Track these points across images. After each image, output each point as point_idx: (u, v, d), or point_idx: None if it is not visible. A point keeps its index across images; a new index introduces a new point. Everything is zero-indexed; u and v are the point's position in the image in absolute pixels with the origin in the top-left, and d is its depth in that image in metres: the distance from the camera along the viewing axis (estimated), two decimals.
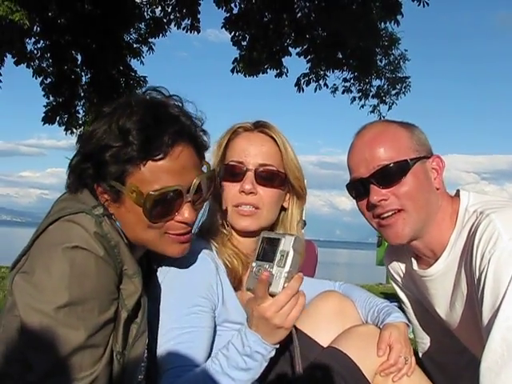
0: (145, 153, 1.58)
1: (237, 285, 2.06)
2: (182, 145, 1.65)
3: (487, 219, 1.83)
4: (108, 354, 1.59)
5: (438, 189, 2.01)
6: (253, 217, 2.05)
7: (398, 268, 2.38)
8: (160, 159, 1.60)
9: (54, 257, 1.51)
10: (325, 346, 2.15)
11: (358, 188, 2.03)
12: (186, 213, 1.68)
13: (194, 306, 1.85)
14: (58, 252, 1.51)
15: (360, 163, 1.99)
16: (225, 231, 2.07)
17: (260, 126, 2.13)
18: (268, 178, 2.06)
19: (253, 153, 2.05)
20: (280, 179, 2.09)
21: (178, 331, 1.80)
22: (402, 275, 2.37)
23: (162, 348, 1.79)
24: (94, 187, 1.66)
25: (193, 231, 1.80)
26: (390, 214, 1.96)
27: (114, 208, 1.67)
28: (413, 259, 2.19)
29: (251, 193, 2.03)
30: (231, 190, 2.06)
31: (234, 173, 2.06)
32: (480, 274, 1.79)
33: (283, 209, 2.18)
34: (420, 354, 2.50)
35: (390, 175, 1.94)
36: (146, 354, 1.74)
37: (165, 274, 1.91)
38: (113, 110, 1.67)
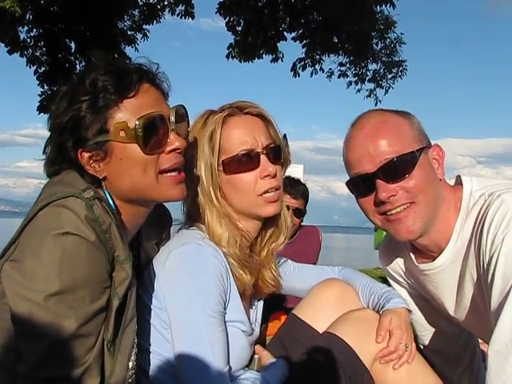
0: (120, 93, 1.63)
1: (243, 291, 2.02)
2: (147, 83, 1.71)
3: (499, 200, 1.77)
4: (100, 343, 1.57)
5: (440, 179, 1.94)
6: (279, 199, 2.02)
7: (395, 265, 2.33)
8: (133, 96, 1.65)
9: (44, 244, 1.48)
10: None
11: (362, 184, 1.93)
12: (174, 141, 1.71)
13: (214, 312, 1.83)
14: (48, 239, 1.48)
15: (363, 158, 1.89)
16: (230, 239, 1.96)
17: (244, 108, 2.04)
18: (277, 155, 2.03)
19: (256, 135, 1.98)
20: (280, 153, 2.05)
21: (204, 340, 1.80)
22: (400, 272, 2.33)
23: (189, 351, 1.79)
24: (77, 158, 1.65)
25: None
26: (399, 209, 1.88)
27: (105, 167, 1.66)
28: (411, 254, 2.14)
29: (274, 175, 1.98)
30: (250, 180, 1.97)
31: (248, 161, 1.96)
32: (491, 257, 1.73)
33: None
34: (420, 346, 2.47)
35: (397, 169, 1.85)
36: (136, 341, 1.71)
37: (172, 270, 1.86)
38: (69, 85, 1.70)
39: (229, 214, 2.01)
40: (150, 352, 1.91)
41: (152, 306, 1.89)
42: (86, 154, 1.64)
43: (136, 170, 1.66)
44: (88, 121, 1.61)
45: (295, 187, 4.50)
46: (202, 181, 1.97)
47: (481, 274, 1.84)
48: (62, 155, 1.67)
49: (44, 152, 1.74)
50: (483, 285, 1.82)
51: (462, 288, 1.99)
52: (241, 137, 1.98)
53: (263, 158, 1.97)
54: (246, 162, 1.97)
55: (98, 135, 1.62)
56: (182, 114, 1.81)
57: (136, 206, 1.77)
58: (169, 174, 1.72)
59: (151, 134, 1.66)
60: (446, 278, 2.03)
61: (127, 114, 1.63)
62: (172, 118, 1.73)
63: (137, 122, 1.62)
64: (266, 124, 2.05)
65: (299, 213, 4.55)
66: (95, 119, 1.62)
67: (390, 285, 2.43)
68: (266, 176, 1.96)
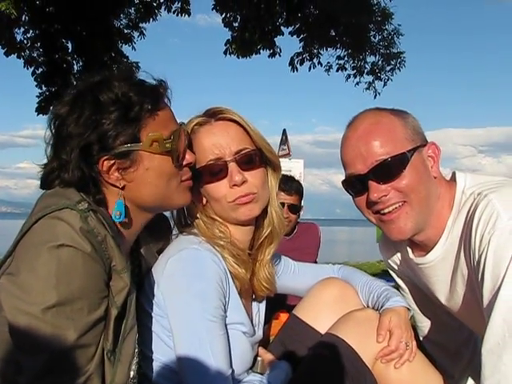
0: (155, 105, 1.70)
1: (241, 290, 2.01)
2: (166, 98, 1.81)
3: (485, 200, 1.79)
4: (100, 353, 1.57)
5: (435, 177, 1.96)
6: (252, 201, 1.98)
7: (394, 257, 2.36)
8: (161, 109, 1.73)
9: (40, 256, 1.48)
10: None
11: (356, 184, 1.97)
12: (188, 156, 1.82)
13: (214, 317, 1.82)
14: (43, 251, 1.48)
15: (356, 159, 1.92)
16: (221, 233, 2.00)
17: (217, 114, 2.02)
18: (249, 161, 1.98)
19: (224, 143, 1.95)
20: (258, 158, 2.01)
21: (205, 345, 1.79)
22: (398, 264, 2.35)
23: (190, 357, 1.78)
24: (97, 165, 1.63)
25: None
26: (391, 209, 1.91)
27: (128, 176, 1.68)
28: (408, 248, 2.16)
29: (243, 182, 1.95)
30: (220, 189, 1.96)
31: (216, 171, 1.96)
32: (480, 256, 1.75)
33: None
34: (420, 338, 2.49)
35: (388, 170, 1.88)
36: (137, 350, 1.71)
37: (171, 276, 1.85)
38: (88, 90, 1.68)
39: (214, 219, 2.03)
40: (153, 360, 1.91)
41: (153, 314, 1.89)
42: (107, 162, 1.65)
43: (161, 181, 1.72)
44: (118, 130, 1.63)
45: (288, 183, 4.60)
46: None
47: (471, 272, 1.86)
48: (83, 161, 1.63)
49: (57, 157, 1.67)
50: (474, 283, 1.84)
51: (454, 285, 2.01)
52: (208, 147, 1.97)
53: (232, 165, 1.95)
54: (214, 172, 1.96)
55: (127, 144, 1.64)
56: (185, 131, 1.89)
57: (147, 213, 1.81)
58: (186, 183, 1.84)
59: (180, 148, 1.75)
60: (439, 274, 2.06)
61: (160, 126, 1.69)
62: (186, 134, 1.84)
63: (172, 136, 1.70)
64: (240, 129, 2.01)
65: (294, 208, 4.64)
66: (126, 129, 1.63)
67: (391, 278, 2.45)
68: (233, 185, 1.95)
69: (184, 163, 1.79)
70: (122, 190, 1.70)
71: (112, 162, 1.65)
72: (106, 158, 1.64)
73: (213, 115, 2.02)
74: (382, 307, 2.16)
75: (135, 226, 1.80)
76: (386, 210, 1.91)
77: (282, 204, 4.44)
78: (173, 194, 1.78)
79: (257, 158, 2.01)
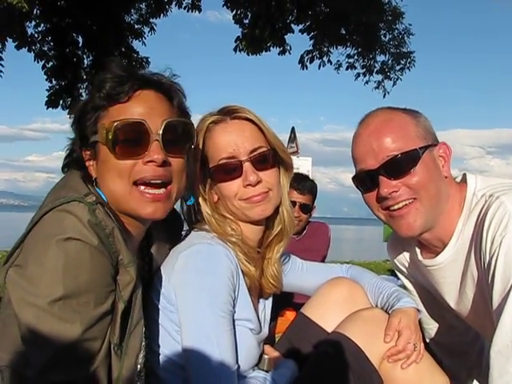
0: (110, 96, 1.65)
1: (251, 287, 2.02)
2: (149, 90, 1.70)
3: (497, 201, 1.79)
4: (106, 347, 1.57)
5: (446, 177, 1.96)
6: (265, 200, 1.98)
7: (402, 258, 2.35)
8: (126, 101, 1.65)
9: (48, 249, 1.48)
10: None
11: (366, 180, 1.98)
12: (154, 152, 1.63)
13: (223, 312, 1.83)
14: (51, 244, 1.48)
15: (367, 154, 1.93)
16: (232, 231, 2.00)
17: (232, 113, 2.01)
18: (264, 160, 1.98)
19: (239, 142, 1.95)
20: (272, 157, 2.02)
21: (212, 339, 1.79)
22: (406, 265, 2.35)
23: (199, 350, 1.79)
24: (82, 157, 1.69)
25: (173, 196, 1.73)
26: (401, 205, 1.91)
27: (96, 167, 1.69)
28: (417, 249, 2.16)
29: (258, 182, 1.95)
30: (234, 188, 1.97)
31: (230, 170, 1.96)
32: (490, 258, 1.75)
33: None
34: (427, 339, 2.49)
35: (399, 166, 1.89)
36: (144, 343, 1.71)
37: (182, 270, 1.85)
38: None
39: (226, 217, 2.03)
40: (159, 354, 1.91)
41: (163, 308, 1.89)
42: (85, 154, 1.70)
43: (111, 176, 1.66)
44: (87, 120, 1.67)
45: (302, 183, 4.51)
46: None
47: (481, 274, 1.86)
48: (71, 151, 1.72)
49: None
50: (484, 285, 1.84)
51: (464, 287, 2.00)
52: (223, 145, 1.97)
53: (247, 165, 1.95)
54: (228, 170, 1.96)
55: (93, 134, 1.67)
56: (173, 128, 1.70)
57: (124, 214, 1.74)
58: (143, 189, 1.67)
59: (123, 139, 1.63)
60: (448, 275, 2.05)
61: (112, 116, 1.65)
62: (160, 131, 1.65)
63: (110, 126, 1.62)
64: (255, 128, 2.00)
65: (306, 208, 4.54)
66: (91, 119, 1.66)
67: (398, 277, 2.45)
68: (247, 185, 1.95)
69: (145, 159, 1.64)
70: (96, 181, 1.70)
71: (88, 153, 1.69)
72: (84, 148, 1.69)
73: (228, 113, 2.01)
74: (391, 308, 2.16)
75: (135, 223, 1.76)
76: (396, 206, 1.92)
77: (294, 203, 4.38)
78: (125, 197, 1.66)
79: (271, 157, 2.01)
